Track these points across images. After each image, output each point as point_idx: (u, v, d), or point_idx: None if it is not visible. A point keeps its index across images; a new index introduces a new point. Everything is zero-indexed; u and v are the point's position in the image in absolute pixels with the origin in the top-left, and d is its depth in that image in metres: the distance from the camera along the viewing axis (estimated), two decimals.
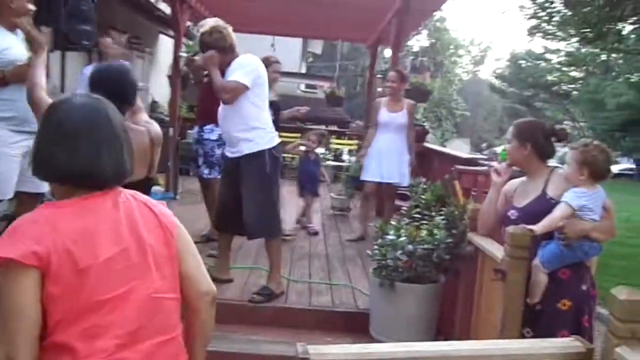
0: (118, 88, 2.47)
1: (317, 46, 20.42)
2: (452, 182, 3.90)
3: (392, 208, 6.19)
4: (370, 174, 5.87)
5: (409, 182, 6.00)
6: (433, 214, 3.73)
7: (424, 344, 2.42)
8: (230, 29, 4.11)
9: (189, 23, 7.98)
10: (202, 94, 5.49)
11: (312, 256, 5.27)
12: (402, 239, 3.53)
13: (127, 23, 8.19)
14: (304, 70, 18.31)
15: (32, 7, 3.82)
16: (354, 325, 3.89)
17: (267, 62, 4.84)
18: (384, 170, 5.81)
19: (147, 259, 1.49)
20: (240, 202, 4.02)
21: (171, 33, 9.46)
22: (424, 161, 6.90)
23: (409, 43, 23.52)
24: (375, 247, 3.68)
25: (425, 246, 3.46)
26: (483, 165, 4.40)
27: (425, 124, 7.42)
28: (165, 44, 10.55)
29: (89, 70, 6.04)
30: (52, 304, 1.36)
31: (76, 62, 6.95)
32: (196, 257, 1.66)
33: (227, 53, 3.98)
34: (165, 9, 9.07)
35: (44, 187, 4.14)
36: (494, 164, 3.24)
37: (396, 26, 7.07)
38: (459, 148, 27.52)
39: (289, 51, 13.92)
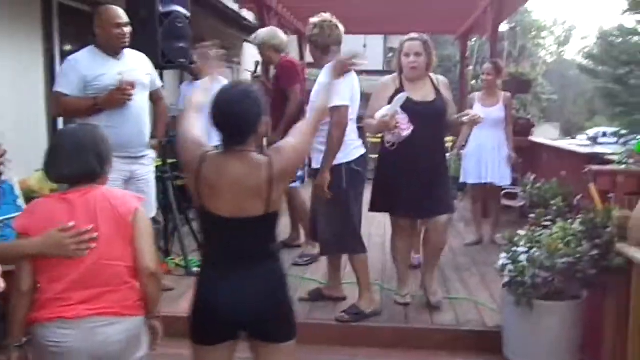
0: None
1: (396, 41, 20.01)
2: (587, 185, 3.51)
3: (499, 208, 5.86)
4: (473, 176, 5.58)
5: (511, 180, 5.66)
6: (569, 220, 3.37)
7: None
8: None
9: None
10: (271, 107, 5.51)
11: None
12: (536, 252, 3.20)
13: (215, 35, 8.21)
14: (385, 68, 17.91)
15: (125, 30, 3.75)
16: (485, 345, 3.59)
17: None
18: (485, 169, 5.51)
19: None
20: None
21: None
22: (532, 157, 6.47)
23: None
24: (506, 260, 3.36)
25: (566, 259, 3.11)
26: (614, 162, 3.99)
27: (529, 116, 6.96)
28: (250, 52, 10.56)
29: (185, 87, 6.14)
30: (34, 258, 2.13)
31: (172, 79, 7.01)
32: (144, 239, 2.20)
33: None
34: (249, 16, 9.06)
35: (151, 212, 4.01)
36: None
37: (493, 14, 6.67)
38: (548, 134, 26.17)
39: (372, 49, 13.62)
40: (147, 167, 3.97)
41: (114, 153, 3.55)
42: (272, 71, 5.54)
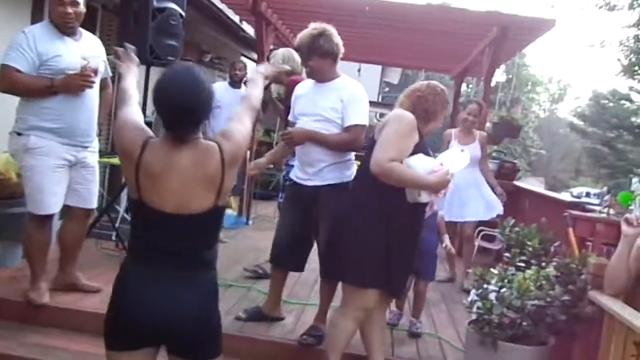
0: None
1: (394, 76, 20.10)
2: (566, 230, 3.44)
3: (472, 249, 5.71)
4: (450, 214, 5.43)
5: (500, 213, 5.55)
6: (543, 264, 3.28)
7: None
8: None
9: (272, 46, 7.79)
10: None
11: None
12: (506, 291, 3.08)
13: (211, 43, 8.14)
14: (379, 100, 17.99)
15: (69, 10, 3.43)
16: None
17: None
18: (460, 208, 5.40)
19: None
20: (309, 236, 3.71)
21: (253, 56, 9.42)
22: (514, 202, 6.40)
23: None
24: (475, 297, 3.25)
25: (536, 302, 3.00)
26: (595, 211, 3.92)
27: (515, 160, 6.93)
28: (248, 65, 10.48)
29: None
30: None
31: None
32: None
33: None
34: (250, 30, 9.00)
35: (93, 202, 3.89)
36: (629, 214, 2.79)
37: (491, 56, 6.66)
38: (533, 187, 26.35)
39: (370, 80, 13.64)
40: (94, 156, 3.83)
41: (62, 139, 3.53)
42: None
